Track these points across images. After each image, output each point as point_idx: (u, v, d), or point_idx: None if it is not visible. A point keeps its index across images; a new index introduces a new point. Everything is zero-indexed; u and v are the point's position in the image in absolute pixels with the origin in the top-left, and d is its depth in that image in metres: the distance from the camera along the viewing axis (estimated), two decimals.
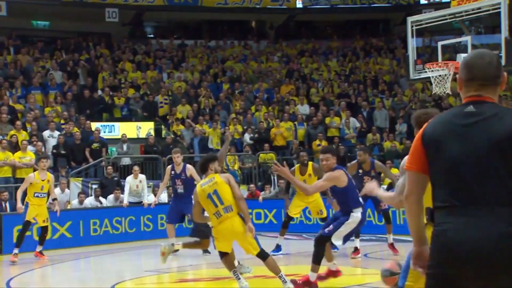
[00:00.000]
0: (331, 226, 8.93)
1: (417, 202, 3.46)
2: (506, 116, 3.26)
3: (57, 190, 16.70)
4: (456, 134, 3.31)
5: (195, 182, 13.12)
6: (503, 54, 14.17)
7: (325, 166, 8.87)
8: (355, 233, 12.69)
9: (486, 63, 3.41)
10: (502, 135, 3.19)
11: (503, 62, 14.25)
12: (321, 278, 9.07)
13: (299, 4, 29.99)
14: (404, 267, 5.90)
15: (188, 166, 13.61)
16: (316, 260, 8.81)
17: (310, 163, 13.75)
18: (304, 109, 24.64)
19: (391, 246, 12.93)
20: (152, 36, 31.02)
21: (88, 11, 27.51)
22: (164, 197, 17.46)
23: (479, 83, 3.39)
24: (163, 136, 22.39)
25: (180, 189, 13.31)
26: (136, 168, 17.57)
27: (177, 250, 12.81)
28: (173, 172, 13.45)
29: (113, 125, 22.50)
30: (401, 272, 5.94)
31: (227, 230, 8.59)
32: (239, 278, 8.74)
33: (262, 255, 8.66)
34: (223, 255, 8.79)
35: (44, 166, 13.75)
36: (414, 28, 15.41)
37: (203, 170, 9.01)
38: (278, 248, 13.23)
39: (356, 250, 12.77)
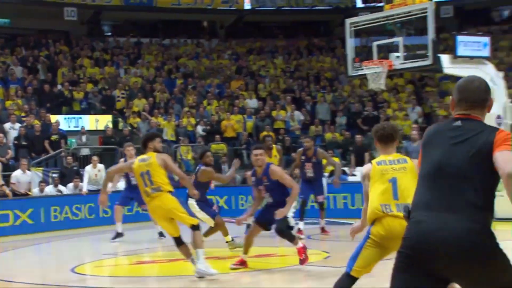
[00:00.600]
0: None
1: None
2: (484, 132, 3.54)
3: (18, 172, 17.00)
4: (442, 143, 3.61)
5: None
6: (430, 54, 14.48)
7: (260, 161, 8.81)
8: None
9: (475, 87, 3.71)
10: (479, 148, 3.48)
11: (430, 61, 14.57)
12: (235, 264, 9.16)
13: (247, 6, 30.04)
14: (354, 252, 5.86)
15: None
16: (292, 238, 8.87)
17: (273, 145, 13.81)
18: (252, 103, 24.64)
19: (323, 229, 13.43)
20: (109, 34, 30.58)
21: (48, 10, 26.95)
22: (121, 185, 17.22)
23: (468, 104, 3.67)
24: (120, 128, 22.22)
25: (134, 181, 13.05)
26: (95, 158, 17.50)
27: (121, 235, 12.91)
28: None
29: (73, 118, 22.13)
30: (351, 256, 5.87)
31: (158, 207, 8.36)
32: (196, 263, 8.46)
33: (195, 226, 8.42)
34: (178, 243, 8.51)
35: None
36: (352, 29, 15.59)
37: (143, 147, 8.74)
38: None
39: (299, 231, 12.90)
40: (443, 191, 3.49)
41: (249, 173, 8.95)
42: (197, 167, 11.38)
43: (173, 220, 8.49)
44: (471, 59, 15.16)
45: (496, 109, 14.81)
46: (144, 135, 10.43)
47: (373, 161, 6.00)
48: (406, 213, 3.67)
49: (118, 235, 13.05)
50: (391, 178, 5.80)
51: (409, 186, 5.68)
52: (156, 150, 8.56)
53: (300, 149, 13.31)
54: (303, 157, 12.98)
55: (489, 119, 14.96)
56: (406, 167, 5.91)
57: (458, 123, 3.64)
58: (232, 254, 10.47)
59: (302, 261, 8.78)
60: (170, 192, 8.40)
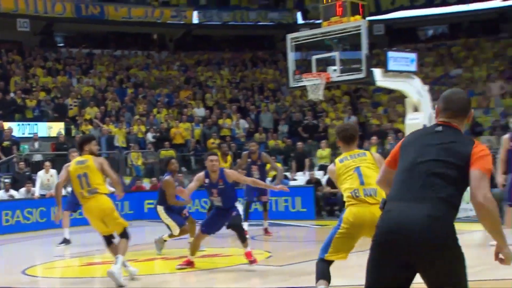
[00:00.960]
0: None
1: (383, 185, 4.15)
2: (461, 142, 3.75)
3: None
4: (420, 144, 3.83)
5: None
6: (363, 68, 14.59)
7: (215, 166, 8.83)
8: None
9: (458, 98, 3.94)
10: (454, 154, 3.68)
11: (364, 74, 14.78)
12: (181, 265, 9.08)
13: (195, 20, 30.02)
14: (326, 241, 5.99)
15: None
16: (244, 239, 8.83)
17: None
18: (200, 111, 24.62)
19: (266, 230, 13.37)
20: (62, 45, 30.06)
21: (1, 21, 26.25)
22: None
23: (451, 113, 3.86)
24: (73, 135, 21.85)
25: None
26: (47, 163, 17.20)
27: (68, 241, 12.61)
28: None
29: (27, 125, 21.75)
30: (322, 245, 6.01)
31: (94, 207, 8.12)
32: (125, 266, 8.31)
33: (125, 234, 8.20)
34: (108, 242, 8.32)
35: None
36: (293, 44, 15.59)
37: (79, 149, 8.59)
38: None
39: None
40: (414, 184, 3.65)
41: (201, 175, 8.86)
42: (164, 175, 11.22)
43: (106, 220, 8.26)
44: (400, 73, 15.40)
45: (422, 119, 15.20)
46: (80, 138, 10.19)
47: (336, 160, 6.23)
48: (382, 205, 3.81)
49: (65, 241, 12.70)
50: (355, 169, 6.03)
51: (370, 174, 5.98)
52: (92, 153, 8.32)
53: (246, 152, 13.37)
54: (249, 160, 13.05)
55: (417, 128, 15.29)
56: (366, 158, 6.16)
57: (439, 128, 3.83)
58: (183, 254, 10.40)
59: (252, 262, 8.79)
60: (106, 194, 8.23)
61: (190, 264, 9.04)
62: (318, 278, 5.89)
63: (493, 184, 13.70)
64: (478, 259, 8.84)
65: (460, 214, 14.24)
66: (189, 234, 10.70)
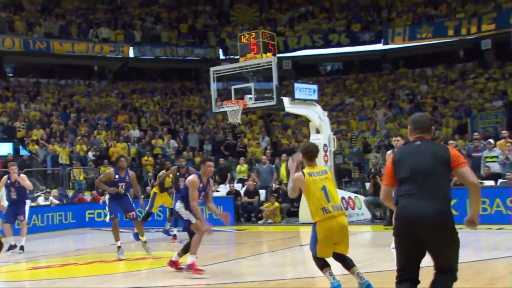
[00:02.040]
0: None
1: (389, 201, 4.72)
2: (439, 147, 4.57)
3: None
4: (411, 155, 4.46)
5: (27, 189, 12.49)
6: (274, 96, 14.65)
7: (212, 171, 8.71)
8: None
9: (424, 119, 4.70)
10: (439, 157, 4.37)
11: (275, 102, 14.73)
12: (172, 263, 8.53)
13: (131, 54, 29.63)
14: (311, 245, 6.18)
15: (22, 175, 12.50)
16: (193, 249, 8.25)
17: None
18: (135, 133, 24.28)
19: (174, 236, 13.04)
20: (11, 75, 29.01)
21: None
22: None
23: (420, 130, 4.59)
24: (21, 154, 21.12)
25: (14, 195, 12.41)
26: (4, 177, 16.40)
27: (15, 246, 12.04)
28: (8, 181, 12.30)
29: None
30: (311, 247, 6.21)
31: None
32: None
33: None
34: None
35: None
36: (215, 75, 15.49)
37: None
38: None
39: (174, 236, 12.88)
40: (420, 185, 4.29)
41: (196, 180, 8.35)
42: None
43: None
44: (304, 101, 15.60)
45: (322, 139, 15.51)
46: None
47: (305, 171, 6.28)
48: (395, 202, 4.47)
49: (11, 247, 12.05)
50: (322, 187, 6.19)
51: (333, 190, 6.29)
52: None
53: (175, 167, 13.11)
54: (177, 173, 12.77)
55: (319, 146, 15.57)
56: (328, 177, 6.34)
57: (418, 142, 4.52)
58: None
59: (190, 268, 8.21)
60: None
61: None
62: (321, 267, 6.18)
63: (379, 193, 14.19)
64: (366, 255, 9.12)
65: (353, 218, 14.65)
66: None
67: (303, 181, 6.25)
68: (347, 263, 6.21)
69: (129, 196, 10.60)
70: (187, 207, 8.24)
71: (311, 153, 6.44)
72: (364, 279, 6.10)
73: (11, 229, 12.39)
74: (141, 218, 13.12)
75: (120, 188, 10.30)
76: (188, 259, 8.13)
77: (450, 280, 4.37)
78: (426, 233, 4.21)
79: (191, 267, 8.08)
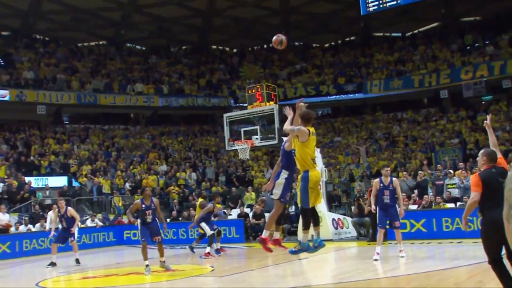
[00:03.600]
0: None
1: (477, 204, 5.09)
2: (507, 173, 4.86)
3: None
4: (493, 178, 4.93)
5: (76, 220, 12.55)
6: (276, 136, 14.71)
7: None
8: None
9: (492, 152, 5.27)
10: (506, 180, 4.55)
11: (276, 141, 14.62)
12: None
13: (160, 104, 29.86)
14: (303, 197, 6.10)
15: (69, 208, 12.64)
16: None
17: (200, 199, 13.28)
18: (163, 167, 24.43)
19: (220, 249, 12.64)
20: (67, 122, 29.39)
21: (26, 107, 25.61)
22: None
23: (494, 160, 5.20)
24: (73, 185, 21.31)
25: (64, 224, 12.46)
26: (55, 206, 16.39)
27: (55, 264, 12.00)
28: (59, 213, 12.53)
29: (40, 179, 21.08)
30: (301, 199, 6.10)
31: None
32: None
33: None
34: None
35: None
36: (228, 120, 15.60)
37: None
38: None
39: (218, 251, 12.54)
40: (497, 198, 4.59)
41: (211, 206, 8.84)
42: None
43: None
44: None
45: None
46: None
47: (310, 129, 6.34)
48: (480, 212, 4.97)
49: (52, 263, 12.12)
50: (314, 144, 6.35)
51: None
52: None
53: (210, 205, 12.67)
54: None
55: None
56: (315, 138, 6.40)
57: (494, 169, 5.05)
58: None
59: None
60: None
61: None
62: (307, 226, 6.12)
63: (364, 214, 14.19)
64: (353, 266, 9.13)
65: (342, 236, 14.45)
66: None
67: (306, 134, 6.15)
68: (316, 220, 6.15)
69: (156, 221, 10.13)
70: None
71: (308, 116, 6.37)
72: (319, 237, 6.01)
73: (56, 249, 12.51)
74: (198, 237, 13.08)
75: (147, 215, 9.94)
76: (263, 233, 7.27)
77: None
78: (502, 230, 4.51)
79: (262, 241, 7.15)
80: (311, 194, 6.01)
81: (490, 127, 6.10)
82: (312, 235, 6.15)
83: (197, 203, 13.32)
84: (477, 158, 5.38)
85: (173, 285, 8.69)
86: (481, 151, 5.35)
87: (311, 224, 6.14)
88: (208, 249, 12.26)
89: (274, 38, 6.87)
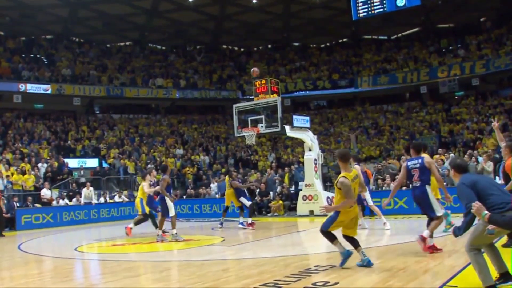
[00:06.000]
0: None
1: None
2: None
3: (44, 190, 16.40)
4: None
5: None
6: (279, 125, 14.40)
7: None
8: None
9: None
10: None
11: (279, 129, 14.38)
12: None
13: (177, 96, 29.82)
14: (329, 220, 5.63)
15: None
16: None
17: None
18: (180, 151, 24.47)
19: (250, 223, 11.66)
20: (98, 112, 29.35)
21: (63, 99, 25.59)
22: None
23: None
24: (103, 166, 21.43)
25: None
26: (88, 183, 17.19)
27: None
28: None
29: (77, 160, 21.28)
30: (326, 222, 5.66)
31: None
32: None
33: None
34: None
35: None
36: (237, 110, 15.36)
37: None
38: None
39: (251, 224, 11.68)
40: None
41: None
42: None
43: None
44: (300, 128, 15.51)
45: (314, 156, 15.48)
46: None
47: (348, 177, 5.56)
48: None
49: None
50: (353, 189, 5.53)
51: (357, 189, 5.64)
52: None
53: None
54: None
55: (309, 162, 15.49)
56: (358, 181, 5.67)
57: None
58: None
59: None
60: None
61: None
62: (332, 240, 5.64)
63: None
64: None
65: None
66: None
67: (348, 185, 5.45)
68: (355, 243, 5.67)
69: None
70: None
71: (346, 157, 5.60)
72: (365, 256, 5.55)
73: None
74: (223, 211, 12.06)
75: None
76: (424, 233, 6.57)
77: None
78: None
79: (422, 240, 6.51)
80: (334, 225, 5.61)
81: (498, 128, 7.00)
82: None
83: (226, 181, 12.18)
84: (502, 150, 6.10)
85: (189, 252, 8.67)
86: (505, 144, 6.10)
87: (351, 244, 5.72)
88: (249, 220, 11.78)
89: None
